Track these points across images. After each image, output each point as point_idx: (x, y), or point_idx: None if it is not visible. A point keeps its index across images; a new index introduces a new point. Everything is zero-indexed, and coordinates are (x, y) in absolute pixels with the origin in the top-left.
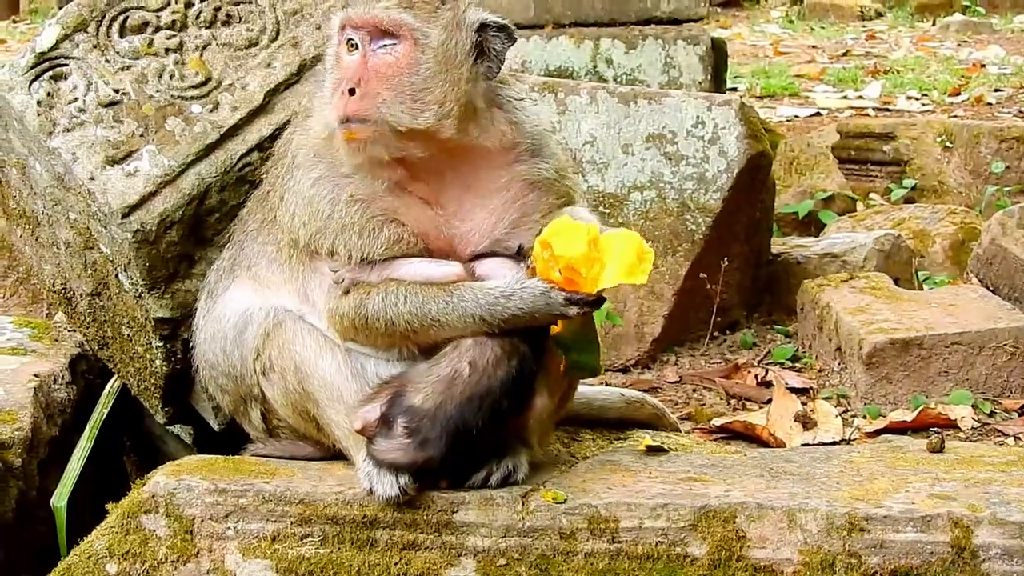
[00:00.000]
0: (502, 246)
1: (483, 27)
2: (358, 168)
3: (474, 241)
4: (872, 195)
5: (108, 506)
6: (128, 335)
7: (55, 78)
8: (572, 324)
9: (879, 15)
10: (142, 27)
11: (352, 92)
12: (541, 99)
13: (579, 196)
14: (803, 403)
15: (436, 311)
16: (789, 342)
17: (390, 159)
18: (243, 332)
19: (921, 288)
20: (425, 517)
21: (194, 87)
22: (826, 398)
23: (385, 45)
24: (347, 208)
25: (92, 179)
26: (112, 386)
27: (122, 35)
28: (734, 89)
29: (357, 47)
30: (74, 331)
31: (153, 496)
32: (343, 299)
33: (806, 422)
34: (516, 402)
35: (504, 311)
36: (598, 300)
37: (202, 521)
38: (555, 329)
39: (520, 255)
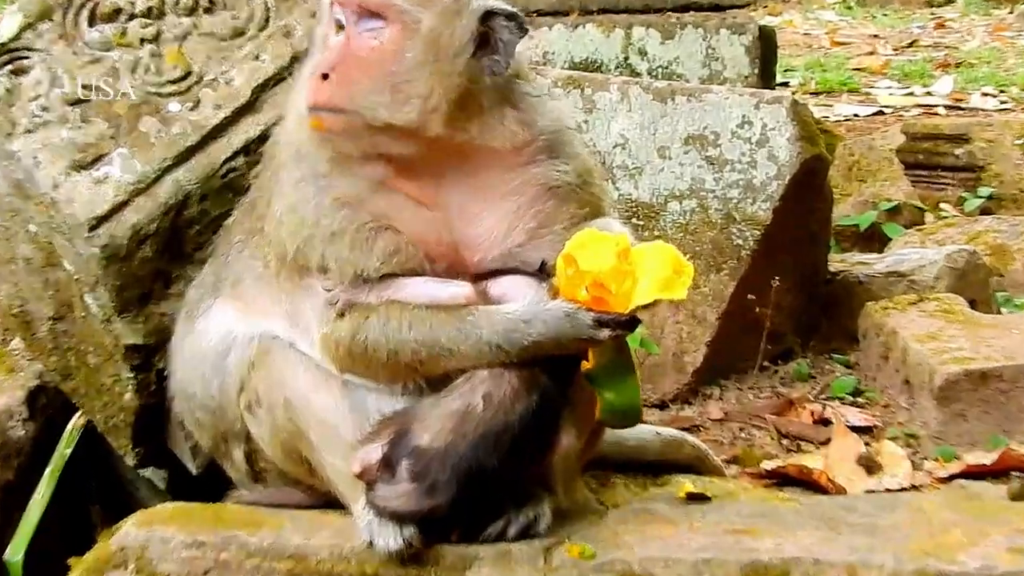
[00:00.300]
0: (519, 260)
1: (489, 15)
2: (333, 164)
3: (483, 248)
4: (943, 205)
5: (71, 561)
6: (95, 364)
7: (16, 72)
8: (605, 356)
9: (950, 1)
10: (114, 15)
11: (326, 77)
12: (565, 95)
13: (609, 206)
14: (866, 444)
15: (446, 339)
16: (850, 373)
17: (368, 154)
18: (225, 359)
19: (1000, 312)
20: (433, 574)
21: (172, 82)
22: (892, 438)
23: (372, 28)
24: (333, 213)
25: (56, 187)
26: (76, 423)
27: (91, 24)
28: (785, 84)
29: (344, 28)
30: (33, 360)
31: (122, 549)
32: (338, 323)
33: (870, 465)
34: (537, 441)
35: (524, 337)
36: (632, 321)
37: None
38: (586, 365)
39: (543, 272)
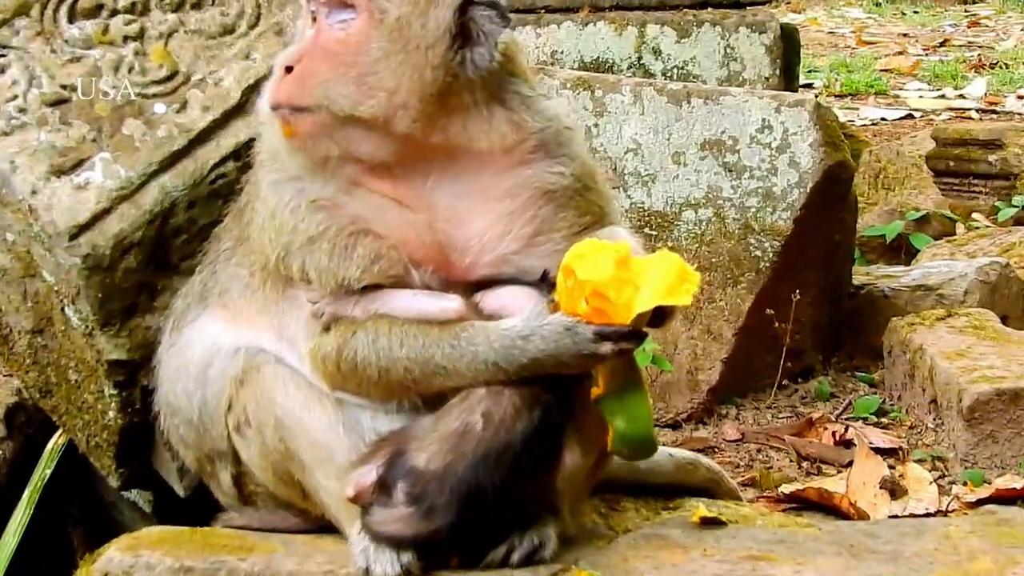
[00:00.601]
0: (515, 267)
1: (468, 5)
2: (308, 165)
3: (474, 252)
4: (975, 215)
5: None
6: (76, 381)
7: None
8: (614, 380)
9: None
10: (96, 11)
11: (290, 70)
12: (575, 97)
13: (615, 213)
14: (890, 466)
15: (440, 356)
16: (874, 392)
17: (343, 155)
18: (209, 371)
19: None
20: None
21: (157, 83)
22: (918, 461)
23: (343, 19)
24: (309, 216)
25: (34, 193)
26: (56, 442)
27: (72, 20)
28: (808, 86)
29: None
30: (11, 376)
31: (105, 575)
32: (324, 337)
33: (894, 489)
34: (540, 460)
35: (523, 355)
36: (634, 334)
37: None
38: (596, 391)
39: (544, 283)
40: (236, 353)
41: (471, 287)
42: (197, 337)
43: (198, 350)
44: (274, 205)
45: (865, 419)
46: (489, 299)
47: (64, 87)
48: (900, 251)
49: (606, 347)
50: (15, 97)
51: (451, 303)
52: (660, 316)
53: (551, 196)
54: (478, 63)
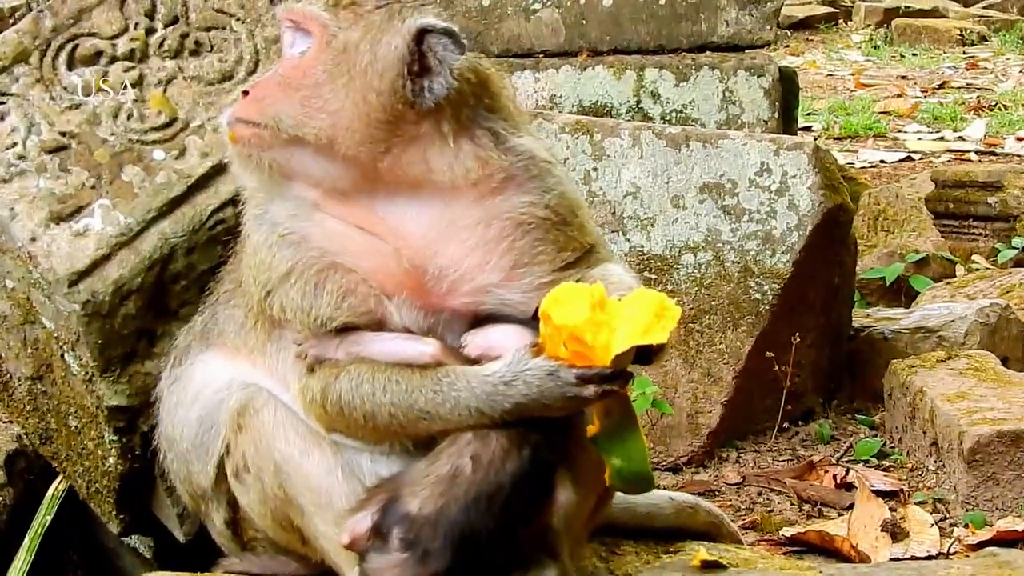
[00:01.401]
0: (499, 300)
1: (423, 34)
2: (269, 193)
3: (451, 279)
4: (975, 257)
5: None
6: (76, 427)
7: None
8: (608, 419)
9: (983, 39)
10: (95, 58)
11: (246, 94)
12: (573, 142)
13: (604, 249)
14: (891, 509)
15: (424, 403)
16: (875, 435)
17: (290, 171)
18: (206, 406)
19: None
20: None
21: (156, 129)
22: (919, 503)
23: (303, 49)
24: (280, 251)
25: (33, 240)
26: (56, 488)
27: (71, 67)
28: (807, 129)
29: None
30: (10, 422)
31: None
32: (310, 379)
33: (895, 532)
34: (532, 501)
35: (506, 400)
36: (616, 375)
37: None
38: (592, 430)
39: (537, 320)
40: (231, 388)
41: (461, 323)
42: (196, 374)
43: (197, 386)
44: (255, 242)
45: (866, 462)
46: (479, 338)
47: (63, 134)
48: (900, 293)
49: (589, 390)
50: (14, 144)
51: (427, 347)
52: (647, 354)
53: (526, 228)
54: (436, 91)
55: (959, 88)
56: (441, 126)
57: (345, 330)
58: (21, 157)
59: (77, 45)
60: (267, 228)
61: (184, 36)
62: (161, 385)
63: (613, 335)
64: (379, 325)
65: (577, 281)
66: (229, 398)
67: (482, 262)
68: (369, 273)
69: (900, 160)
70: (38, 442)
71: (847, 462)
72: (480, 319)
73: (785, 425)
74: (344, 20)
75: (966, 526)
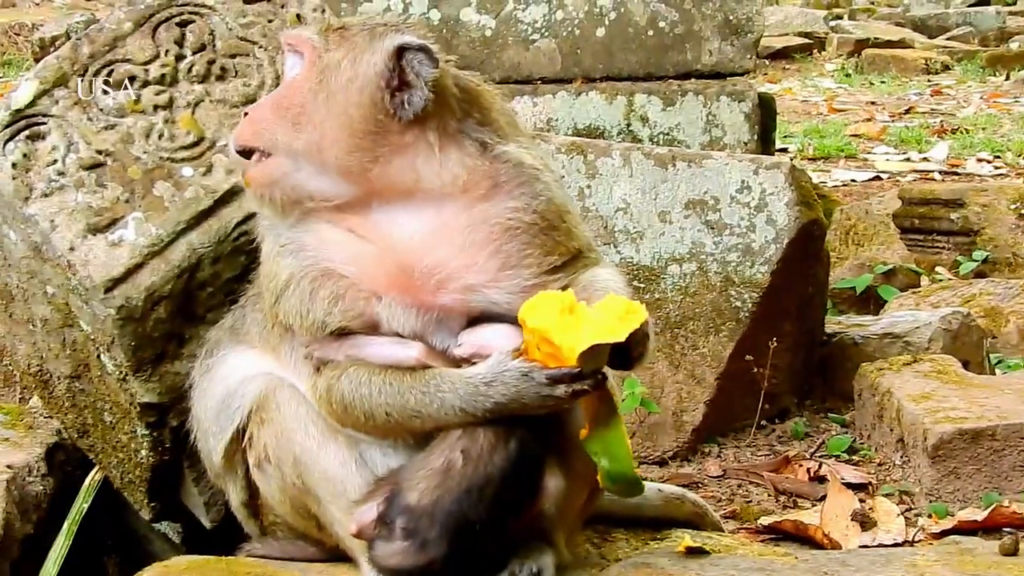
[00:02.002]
0: (486, 300)
1: (402, 51)
2: (275, 211)
3: (438, 277)
4: (938, 268)
5: None
6: (111, 422)
7: (32, 138)
8: (595, 421)
9: (946, 68)
10: (128, 82)
11: (246, 115)
12: (568, 162)
13: (593, 254)
14: (861, 500)
15: (414, 403)
16: (845, 432)
17: (297, 198)
18: (229, 399)
19: (993, 372)
20: None
21: (185, 148)
22: (887, 495)
23: (297, 68)
24: (280, 261)
25: (72, 249)
26: (92, 478)
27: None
28: (784, 150)
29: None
30: (51, 417)
31: None
32: (316, 377)
33: (864, 521)
34: (521, 490)
35: (486, 400)
36: (584, 375)
37: None
38: (583, 432)
39: None
40: (255, 375)
41: (453, 323)
42: (226, 363)
43: (224, 372)
44: (264, 253)
45: (837, 457)
46: (472, 337)
47: (100, 152)
48: (869, 302)
49: (560, 389)
50: (55, 161)
51: (411, 350)
52: (627, 360)
53: (513, 232)
54: (415, 104)
55: (924, 113)
56: (427, 136)
57: (343, 334)
58: (61, 173)
59: (112, 70)
60: (272, 239)
61: (211, 62)
62: (194, 374)
63: (578, 336)
64: (373, 327)
65: (565, 287)
66: (255, 381)
67: (470, 262)
68: (359, 276)
69: (869, 179)
70: (76, 436)
71: (820, 457)
72: (473, 319)
73: (763, 423)
74: (332, 42)
75: (930, 516)
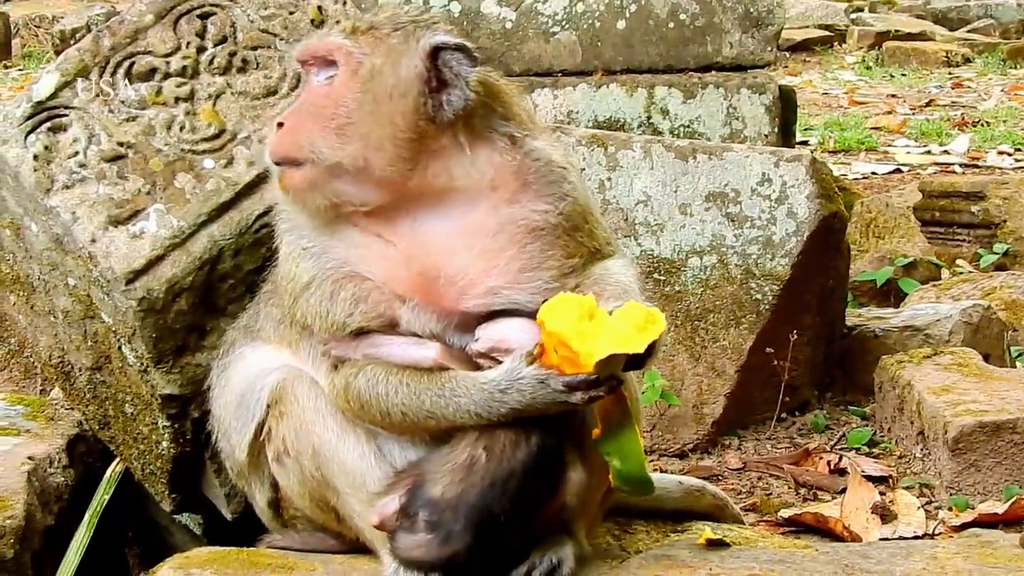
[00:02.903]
0: (507, 300)
1: (438, 51)
2: (305, 214)
3: (461, 284)
4: (959, 261)
5: None
6: (132, 413)
7: (54, 130)
8: (608, 421)
9: (967, 61)
10: (150, 74)
11: (281, 126)
12: (589, 154)
13: (609, 248)
14: (881, 493)
15: (430, 404)
16: (866, 425)
17: (335, 204)
18: (250, 386)
19: (1014, 365)
20: None
21: (206, 140)
22: (907, 487)
23: (329, 76)
24: (302, 263)
25: (93, 241)
26: (114, 470)
27: (128, 83)
28: (804, 143)
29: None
30: (72, 409)
31: None
32: (334, 375)
33: (885, 514)
34: (543, 482)
35: (501, 406)
36: (600, 381)
37: None
38: (596, 432)
39: None
40: (272, 368)
41: (472, 324)
42: (241, 360)
43: (240, 369)
44: (283, 254)
45: (857, 449)
46: (490, 331)
47: (121, 144)
48: (890, 295)
49: (576, 396)
50: (76, 153)
51: (429, 351)
52: (638, 361)
53: (538, 234)
54: (455, 104)
55: (945, 106)
56: (458, 136)
57: (361, 333)
58: (82, 165)
59: (133, 62)
60: (294, 241)
61: (232, 54)
62: (212, 374)
63: (596, 344)
64: (392, 327)
65: (576, 286)
66: (271, 374)
67: (492, 265)
68: (383, 280)
69: (890, 172)
70: (97, 427)
71: (840, 450)
72: (491, 313)
73: (783, 415)
74: (366, 45)
75: (950, 509)
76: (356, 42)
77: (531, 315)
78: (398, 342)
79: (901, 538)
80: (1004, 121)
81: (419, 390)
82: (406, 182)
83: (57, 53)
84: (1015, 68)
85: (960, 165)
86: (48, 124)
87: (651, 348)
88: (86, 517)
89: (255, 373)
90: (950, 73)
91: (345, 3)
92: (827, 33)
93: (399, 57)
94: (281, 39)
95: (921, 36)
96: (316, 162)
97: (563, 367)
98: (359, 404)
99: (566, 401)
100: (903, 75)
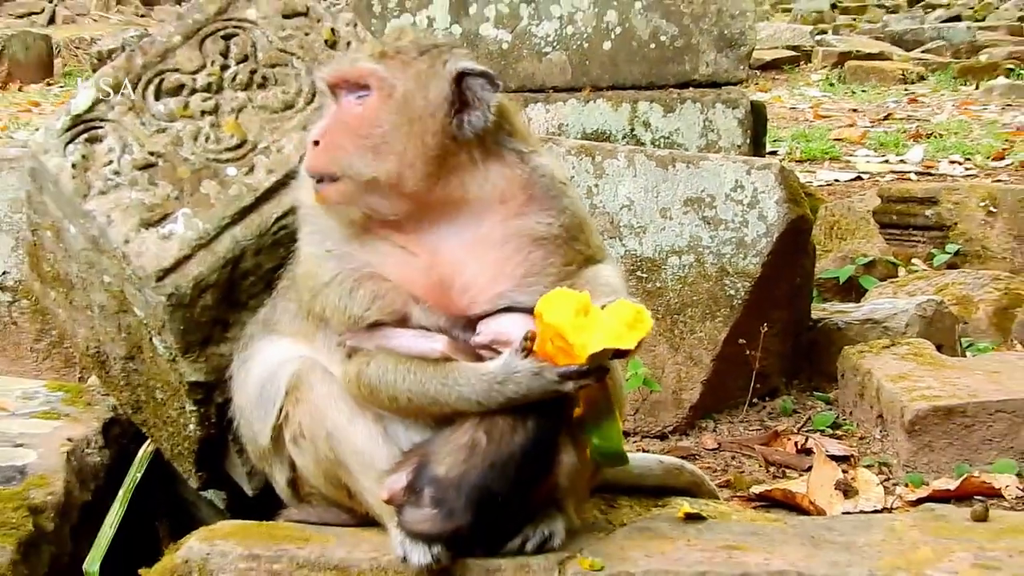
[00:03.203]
0: (510, 301)
1: (463, 76)
2: (334, 222)
3: (472, 293)
4: (914, 260)
5: (140, 572)
6: (162, 399)
7: (90, 140)
8: (591, 405)
9: (921, 78)
10: (178, 90)
11: (317, 143)
12: (578, 163)
13: (601, 253)
14: (844, 471)
15: (434, 392)
16: (830, 409)
17: (366, 215)
18: (267, 383)
19: (964, 355)
20: None
21: (229, 149)
22: (867, 466)
23: (359, 96)
24: (325, 264)
25: (127, 242)
26: (145, 450)
27: (157, 98)
28: (774, 153)
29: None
30: (107, 395)
31: (186, 561)
32: (348, 363)
33: (847, 490)
34: (539, 465)
35: (500, 395)
36: (591, 371)
37: None
38: (577, 412)
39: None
40: (290, 359)
41: (477, 319)
42: (260, 353)
43: (259, 361)
44: (305, 253)
45: (822, 431)
46: (491, 325)
47: (152, 153)
48: (851, 291)
49: (568, 385)
50: (111, 162)
51: (437, 344)
52: (622, 353)
53: (540, 243)
54: (475, 124)
55: (901, 119)
56: (473, 153)
57: (375, 326)
58: (116, 173)
59: (163, 79)
60: (318, 243)
61: (253, 72)
62: (233, 366)
63: (590, 337)
64: (403, 322)
65: (571, 285)
66: (288, 365)
67: (499, 274)
68: (400, 282)
69: (852, 179)
70: (130, 412)
71: (806, 432)
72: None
73: (754, 400)
74: (396, 69)
75: (906, 485)
76: (387, 67)
77: (528, 311)
78: (408, 335)
79: (862, 512)
80: (955, 133)
81: (424, 379)
82: (429, 195)
83: (94, 71)
84: (965, 85)
85: (915, 173)
86: (85, 135)
87: (639, 347)
88: (120, 494)
89: (276, 362)
90: (906, 90)
91: (356, 25)
92: (794, 53)
93: (428, 81)
94: (298, 58)
95: (880, 56)
96: (352, 178)
97: (557, 358)
98: (369, 390)
99: (559, 389)
100: (863, 91)
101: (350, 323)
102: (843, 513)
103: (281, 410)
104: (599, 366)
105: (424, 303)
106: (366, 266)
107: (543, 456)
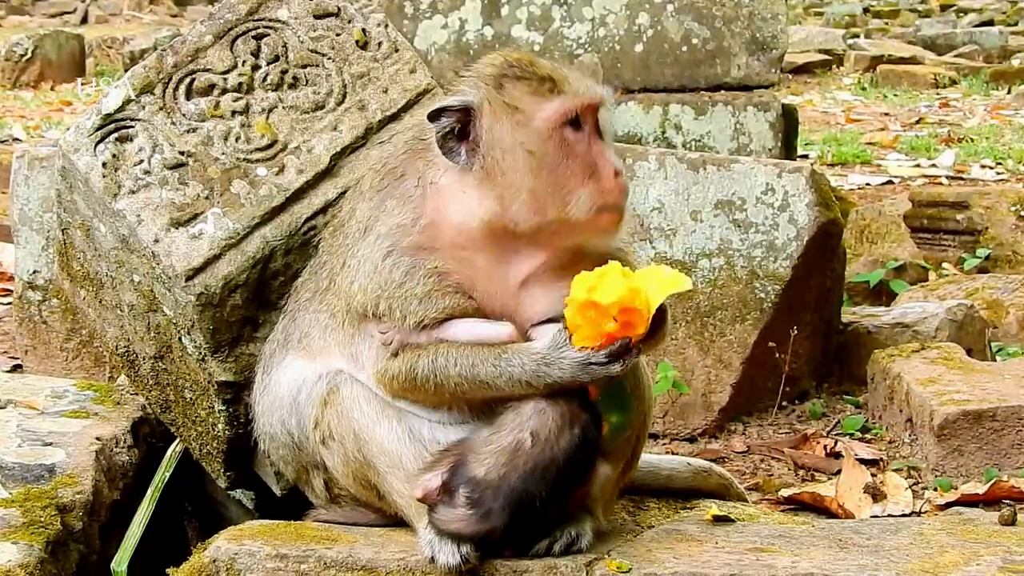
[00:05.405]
0: (558, 311)
1: None
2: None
3: (533, 311)
4: (945, 265)
5: (169, 571)
6: (191, 398)
7: (121, 140)
8: (608, 387)
9: (953, 83)
10: (208, 89)
11: (618, 174)
12: None
13: (628, 257)
14: (873, 474)
15: (485, 374)
16: (859, 413)
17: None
18: (300, 400)
19: (994, 359)
20: None
21: (260, 150)
22: (896, 470)
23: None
24: (424, 279)
25: (156, 241)
26: (174, 450)
27: (188, 97)
28: (805, 156)
29: (581, 128)
30: (136, 394)
31: (214, 561)
32: (391, 361)
33: (876, 494)
34: (580, 471)
35: (547, 377)
36: (633, 348)
37: None
38: (593, 393)
39: None
40: (319, 380)
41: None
42: (285, 378)
43: (287, 387)
44: (383, 265)
45: (851, 435)
46: (539, 329)
47: (182, 153)
48: (881, 295)
49: (616, 367)
50: (141, 161)
51: (505, 328)
52: (652, 332)
53: (594, 259)
54: None
55: (933, 123)
56: None
57: (441, 321)
58: (147, 172)
59: (194, 79)
60: (408, 259)
61: (284, 72)
62: (255, 391)
63: (648, 295)
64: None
65: None
66: (316, 384)
67: (561, 295)
68: (483, 300)
69: (883, 183)
70: (159, 411)
71: (836, 435)
72: None
73: (784, 404)
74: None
75: (935, 490)
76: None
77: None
78: (476, 320)
79: (890, 516)
80: (987, 138)
81: (477, 362)
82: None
83: (126, 71)
84: (997, 90)
85: (946, 177)
86: (116, 135)
87: (662, 317)
88: (148, 493)
89: (304, 394)
90: (938, 94)
91: (387, 26)
92: (826, 57)
93: None
94: (328, 58)
95: (912, 60)
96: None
97: (619, 331)
98: (413, 382)
99: (607, 373)
100: (895, 95)
101: (417, 323)
102: (872, 517)
103: (313, 417)
104: (636, 344)
105: (492, 310)
106: (464, 285)
107: (585, 462)
